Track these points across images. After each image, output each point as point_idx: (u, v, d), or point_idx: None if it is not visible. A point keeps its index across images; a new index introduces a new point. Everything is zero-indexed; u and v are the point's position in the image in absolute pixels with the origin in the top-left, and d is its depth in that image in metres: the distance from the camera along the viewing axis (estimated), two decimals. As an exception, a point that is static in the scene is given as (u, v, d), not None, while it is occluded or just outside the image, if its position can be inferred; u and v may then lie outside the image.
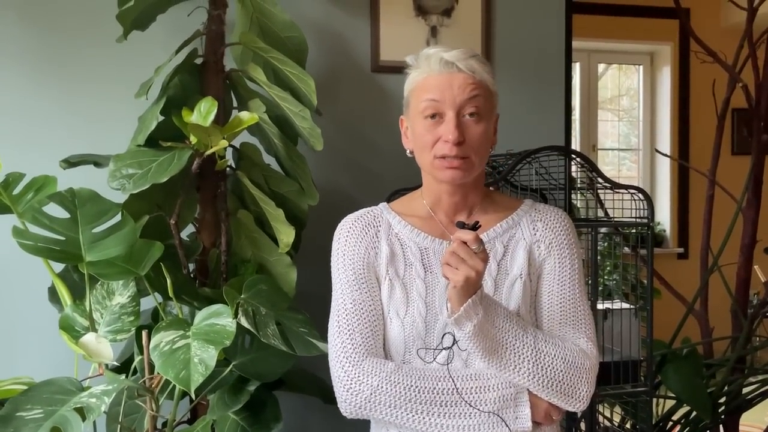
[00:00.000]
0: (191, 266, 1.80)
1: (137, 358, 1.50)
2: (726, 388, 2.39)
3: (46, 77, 2.02)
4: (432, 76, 1.27)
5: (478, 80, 1.27)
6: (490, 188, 1.91)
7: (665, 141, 5.38)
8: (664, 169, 5.41)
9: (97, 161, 1.79)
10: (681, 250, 5.32)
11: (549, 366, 1.24)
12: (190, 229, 1.88)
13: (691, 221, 5.33)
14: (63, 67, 2.03)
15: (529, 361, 1.23)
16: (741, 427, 2.55)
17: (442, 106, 1.26)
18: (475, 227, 1.18)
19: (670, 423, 2.47)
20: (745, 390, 2.46)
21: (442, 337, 1.27)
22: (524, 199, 1.43)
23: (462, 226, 1.18)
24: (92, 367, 1.40)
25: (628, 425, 2.41)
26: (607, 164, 5.59)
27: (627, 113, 5.73)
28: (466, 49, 1.29)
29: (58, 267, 1.63)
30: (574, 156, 1.91)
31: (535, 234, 1.36)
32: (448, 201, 1.36)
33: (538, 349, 1.24)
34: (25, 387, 1.25)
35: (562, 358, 1.25)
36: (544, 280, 1.35)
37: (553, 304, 1.33)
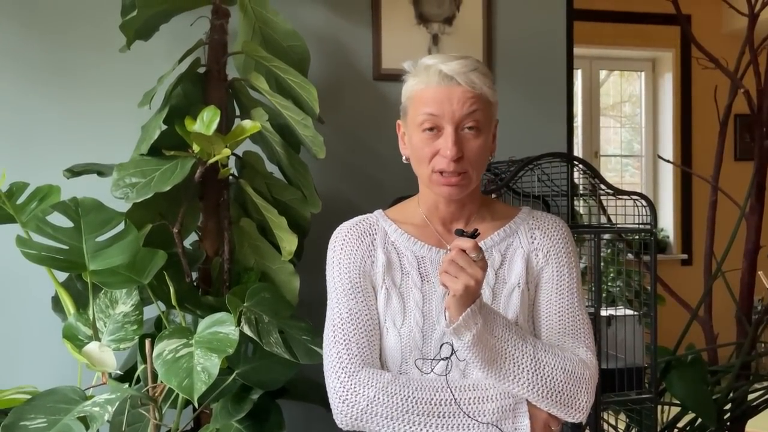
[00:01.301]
0: (194, 275, 1.80)
1: (140, 367, 1.50)
2: (731, 394, 2.38)
3: (49, 87, 2.03)
4: (430, 87, 1.24)
5: (477, 94, 1.23)
6: (492, 195, 1.92)
7: (668, 147, 5.38)
8: (667, 176, 5.40)
9: (101, 170, 1.79)
10: (685, 256, 5.31)
11: (549, 376, 1.22)
12: (192, 237, 1.88)
13: (695, 227, 5.32)
14: (66, 77, 2.04)
15: (528, 371, 1.22)
16: (746, 434, 2.54)
17: (441, 120, 1.23)
18: (474, 235, 1.16)
19: (675, 430, 2.45)
20: (750, 396, 2.44)
21: (440, 347, 1.26)
22: (522, 207, 1.41)
23: (461, 233, 1.17)
24: (96, 376, 1.40)
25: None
26: (610, 171, 5.59)
27: (629, 120, 5.73)
28: (467, 60, 1.25)
29: (62, 276, 1.64)
30: (576, 162, 1.91)
31: (533, 242, 1.34)
32: (445, 210, 1.34)
33: (538, 359, 1.23)
34: (28, 396, 1.25)
35: (561, 368, 1.24)
36: (543, 289, 1.33)
37: (552, 313, 1.32)
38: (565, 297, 1.32)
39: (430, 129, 1.24)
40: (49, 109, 2.03)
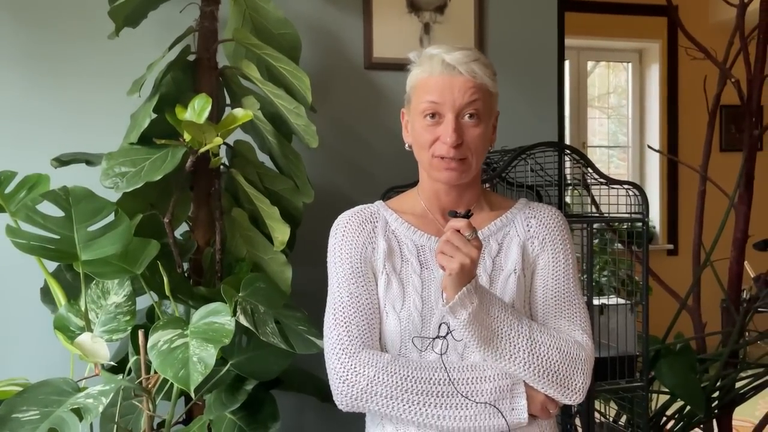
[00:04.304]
0: (185, 265, 1.78)
1: (132, 358, 1.48)
2: (719, 382, 2.40)
3: (36, 75, 1.99)
4: (433, 77, 1.28)
5: (478, 84, 1.28)
6: (486, 186, 1.92)
7: (654, 138, 5.41)
8: (654, 167, 5.44)
9: (89, 160, 1.77)
10: (671, 246, 5.35)
11: (544, 356, 1.25)
12: (183, 228, 1.86)
13: (681, 218, 5.36)
14: (54, 65, 2.00)
15: (524, 350, 1.24)
16: (732, 422, 2.56)
17: (442, 108, 1.27)
18: (467, 215, 1.19)
19: (664, 418, 2.47)
20: (738, 384, 2.46)
21: (439, 327, 1.28)
22: (519, 199, 1.44)
23: (454, 214, 1.20)
24: (88, 367, 1.38)
25: (621, 420, 2.41)
26: (596, 162, 5.59)
27: (615, 111, 5.75)
28: (470, 51, 1.30)
29: (51, 267, 1.61)
30: (569, 152, 1.91)
31: (528, 231, 1.37)
32: (445, 199, 1.37)
33: (533, 338, 1.25)
34: (19, 388, 1.23)
35: (557, 349, 1.26)
36: (539, 275, 1.36)
37: (548, 297, 1.34)
38: (560, 281, 1.35)
39: (432, 116, 1.28)
40: (36, 97, 1.99)
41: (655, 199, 5.42)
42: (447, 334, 1.25)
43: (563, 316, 1.32)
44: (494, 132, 1.36)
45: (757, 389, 2.41)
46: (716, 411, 2.44)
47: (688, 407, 2.36)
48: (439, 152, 1.28)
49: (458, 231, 1.17)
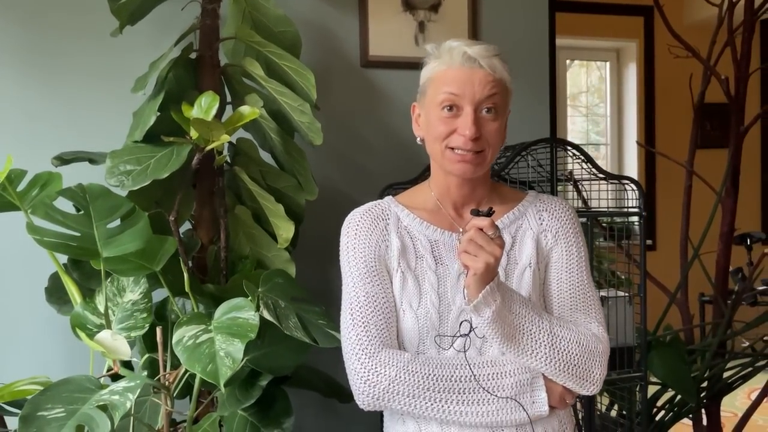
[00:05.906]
0: (189, 263, 1.77)
1: (145, 355, 1.48)
2: (708, 372, 2.46)
3: (34, 74, 1.97)
4: (452, 69, 1.28)
5: (497, 78, 1.28)
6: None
7: (632, 136, 5.48)
8: (631, 164, 5.51)
9: (92, 158, 1.75)
10: (649, 242, 5.44)
11: (565, 350, 1.27)
12: (185, 226, 1.86)
13: (659, 214, 5.45)
14: (52, 64, 1.98)
15: (545, 345, 1.26)
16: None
17: (461, 101, 1.27)
18: (489, 213, 1.19)
19: (654, 409, 2.52)
20: (725, 375, 2.53)
21: (460, 325, 1.28)
22: (527, 191, 1.45)
23: (477, 213, 1.20)
24: (107, 364, 1.37)
25: (613, 411, 2.45)
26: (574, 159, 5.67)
27: (589, 110, 5.83)
28: (490, 45, 1.31)
29: (52, 268, 1.59)
30: (570, 148, 1.94)
31: (541, 224, 1.38)
32: (457, 193, 1.37)
33: (554, 333, 1.27)
34: (41, 387, 1.22)
35: (576, 343, 1.28)
36: (553, 268, 1.37)
37: (563, 291, 1.35)
38: (574, 275, 1.36)
39: (450, 108, 1.28)
40: (35, 96, 1.97)
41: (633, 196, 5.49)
42: (470, 331, 1.25)
43: (579, 309, 1.34)
44: (505, 129, 1.36)
45: (745, 378, 2.47)
46: (705, 400, 2.50)
47: (679, 397, 2.41)
48: (455, 144, 1.28)
49: (481, 230, 1.18)
